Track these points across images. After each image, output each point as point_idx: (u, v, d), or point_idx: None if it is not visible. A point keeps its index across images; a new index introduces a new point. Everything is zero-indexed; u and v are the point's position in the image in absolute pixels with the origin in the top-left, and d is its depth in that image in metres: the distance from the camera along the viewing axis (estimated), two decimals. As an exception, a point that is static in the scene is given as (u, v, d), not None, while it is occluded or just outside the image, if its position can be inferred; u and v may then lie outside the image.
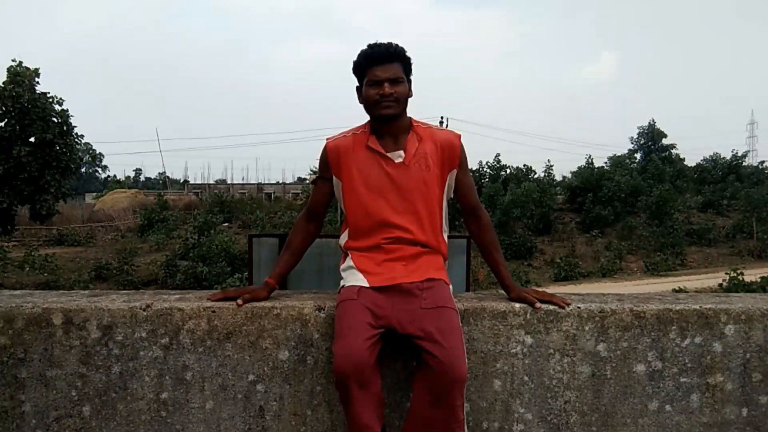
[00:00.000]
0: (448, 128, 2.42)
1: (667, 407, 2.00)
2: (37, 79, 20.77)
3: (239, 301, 2.00)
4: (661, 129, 47.03)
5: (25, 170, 20.12)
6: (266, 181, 59.21)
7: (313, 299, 2.06)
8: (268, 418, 1.98)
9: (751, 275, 18.02)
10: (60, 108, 21.06)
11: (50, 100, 20.81)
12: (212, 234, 24.15)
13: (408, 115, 2.04)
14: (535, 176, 35.17)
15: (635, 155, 46.38)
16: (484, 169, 35.85)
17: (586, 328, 2.00)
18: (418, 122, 2.06)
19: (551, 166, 37.43)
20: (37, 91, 20.65)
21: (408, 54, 2.00)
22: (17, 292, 2.22)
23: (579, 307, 2.00)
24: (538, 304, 2.00)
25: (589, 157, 37.14)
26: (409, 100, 2.01)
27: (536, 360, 1.99)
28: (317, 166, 2.13)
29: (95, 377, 1.97)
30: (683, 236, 28.52)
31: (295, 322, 1.98)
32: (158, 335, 1.97)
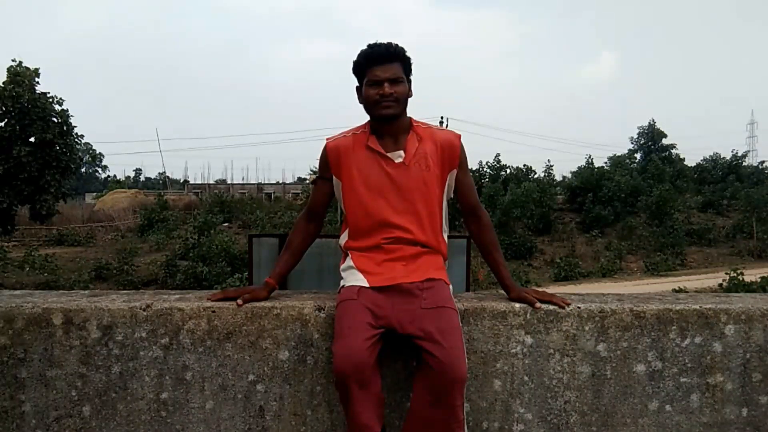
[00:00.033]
0: (448, 128, 2.42)
1: (667, 407, 2.00)
2: (37, 79, 20.77)
3: (239, 301, 2.00)
4: (661, 129, 47.10)
5: (25, 170, 20.11)
6: (266, 181, 59.23)
7: (313, 299, 2.06)
8: (268, 418, 1.98)
9: (751, 275, 18.02)
10: (60, 108, 21.06)
11: (50, 100, 20.81)
12: (212, 234, 24.15)
13: (408, 115, 2.04)
14: (535, 176, 35.19)
15: (635, 155, 46.42)
16: (484, 169, 35.86)
17: (586, 328, 2.00)
18: (418, 122, 2.06)
19: (551, 166, 37.50)
20: (37, 91, 20.64)
21: (408, 54, 2.00)
22: (17, 292, 2.22)
23: (579, 307, 2.00)
24: (538, 304, 2.00)
25: (589, 157, 37.20)
26: (409, 100, 2.01)
27: (536, 360, 1.99)
28: (317, 166, 2.13)
29: (95, 377, 1.97)
30: (683, 236, 28.52)
31: (295, 322, 1.98)
32: (158, 335, 1.97)
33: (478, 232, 2.11)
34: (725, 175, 41.07)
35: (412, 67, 2.03)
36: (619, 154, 43.16)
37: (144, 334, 1.97)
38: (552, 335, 1.99)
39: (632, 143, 48.56)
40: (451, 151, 2.02)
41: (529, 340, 1.99)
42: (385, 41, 1.99)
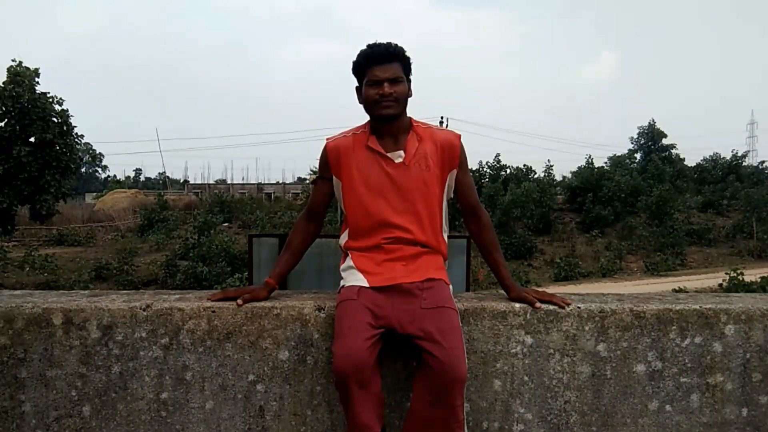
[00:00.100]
0: (448, 128, 2.42)
1: (667, 407, 2.00)
2: (37, 79, 20.77)
3: (239, 301, 2.00)
4: (661, 129, 47.12)
5: (25, 170, 20.11)
6: (266, 181, 59.24)
7: (313, 299, 2.06)
8: (268, 418, 1.98)
9: (751, 275, 18.02)
10: (60, 108, 21.06)
11: (50, 100, 20.81)
12: (212, 234, 24.15)
13: (408, 115, 2.04)
14: (535, 176, 35.19)
15: (635, 155, 46.44)
16: (484, 169, 35.86)
17: (586, 328, 2.00)
18: (418, 122, 2.06)
19: (551, 166, 37.51)
20: (37, 91, 20.64)
21: (407, 54, 2.00)
22: (17, 292, 2.22)
23: (579, 307, 2.00)
24: (538, 304, 2.00)
25: (589, 157, 37.21)
26: (409, 100, 2.01)
27: (536, 360, 1.99)
28: (317, 166, 2.13)
29: (95, 377, 1.97)
30: (683, 236, 28.52)
31: (295, 322, 1.98)
32: (158, 335, 1.97)
33: (478, 232, 2.11)
34: (725, 175, 41.09)
35: (412, 67, 2.03)
36: (619, 154, 43.23)
37: (144, 334, 1.97)
38: (552, 335, 1.99)
39: (632, 143, 48.63)
40: (451, 151, 2.02)
41: (529, 340, 1.99)
42: (384, 41, 1.99)
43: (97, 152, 27.39)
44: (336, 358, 1.78)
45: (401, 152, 1.99)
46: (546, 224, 30.67)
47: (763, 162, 48.36)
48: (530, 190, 30.06)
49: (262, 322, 1.98)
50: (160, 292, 2.19)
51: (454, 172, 2.04)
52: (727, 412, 2.01)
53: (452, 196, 2.10)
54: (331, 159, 2.04)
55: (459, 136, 2.06)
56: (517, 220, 29.64)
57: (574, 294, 2.20)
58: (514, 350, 1.99)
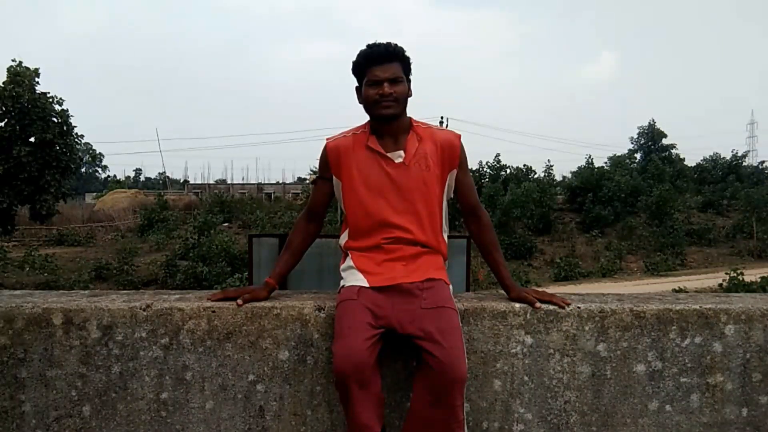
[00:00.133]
0: (448, 128, 2.42)
1: (667, 407, 2.00)
2: (37, 79, 20.77)
3: (239, 301, 2.00)
4: (661, 129, 47.12)
5: (25, 170, 20.11)
6: (266, 181, 59.24)
7: (313, 299, 2.06)
8: (268, 418, 1.98)
9: (751, 275, 18.02)
10: (60, 108, 21.06)
11: (50, 100, 20.81)
12: (212, 234, 24.15)
13: (408, 115, 2.04)
14: (535, 176, 35.20)
15: (635, 155, 46.44)
16: (484, 169, 35.86)
17: (586, 328, 2.00)
18: (418, 122, 2.06)
19: (551, 166, 37.51)
20: (37, 91, 20.64)
21: (407, 54, 2.00)
22: (17, 292, 2.22)
23: (579, 307, 2.00)
24: (538, 304, 2.00)
25: (589, 157, 37.21)
26: (409, 100, 2.01)
27: (536, 360, 1.99)
28: (317, 166, 2.13)
29: (95, 377, 1.97)
30: (683, 236, 28.53)
31: (295, 322, 1.98)
32: (158, 335, 1.97)
33: (478, 232, 2.11)
34: (725, 175, 41.09)
35: (412, 66, 2.03)
36: (619, 154, 43.23)
37: (144, 334, 1.97)
38: (552, 335, 1.99)
39: (632, 143, 48.63)
40: (451, 151, 2.02)
41: (529, 340, 1.99)
42: (384, 41, 1.99)
43: (97, 152, 27.41)
44: (336, 358, 1.78)
45: (401, 152, 1.99)
46: (546, 224, 30.67)
47: (763, 162, 48.42)
48: (530, 190, 30.06)
49: (262, 322, 1.98)
50: (160, 292, 2.19)
51: (454, 172, 2.04)
52: (727, 412, 2.01)
53: (452, 196, 2.10)
54: (331, 159, 2.04)
55: (459, 136, 2.06)
56: (517, 220, 29.64)
57: (574, 294, 2.20)
58: (514, 350, 1.99)
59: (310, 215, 2.16)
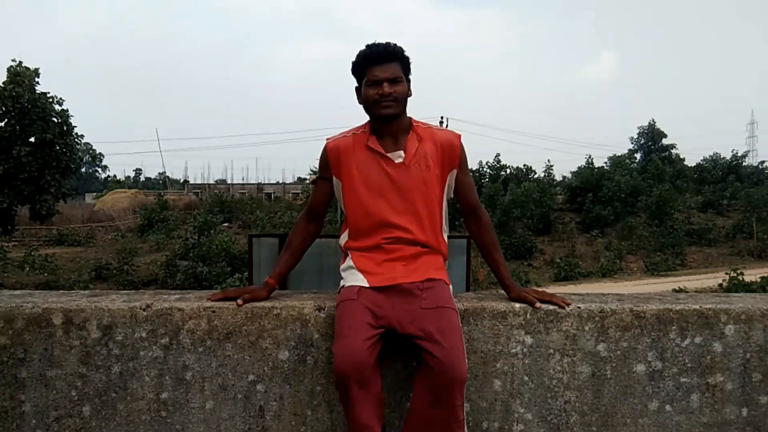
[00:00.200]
0: (448, 128, 2.42)
1: (667, 407, 2.00)
2: (37, 79, 20.77)
3: (239, 301, 2.00)
4: (661, 129, 47.11)
5: (25, 170, 20.11)
6: (266, 181, 59.25)
7: (313, 299, 2.06)
8: (268, 418, 1.98)
9: (751, 275, 18.02)
10: (60, 108, 21.05)
11: (50, 100, 20.81)
12: (212, 234, 24.15)
13: (408, 115, 2.04)
14: (535, 176, 35.20)
15: (635, 155, 46.44)
16: (484, 169, 35.87)
17: (586, 328, 2.00)
18: (418, 122, 2.06)
19: (551, 166, 37.52)
20: (37, 91, 20.64)
21: (406, 53, 2.00)
22: (17, 292, 2.22)
23: (579, 307, 2.00)
24: (538, 304, 2.00)
25: (589, 157, 37.21)
26: (409, 100, 2.01)
27: (536, 360, 1.99)
28: (317, 166, 2.13)
29: (95, 377, 1.97)
30: (683, 236, 28.53)
31: (295, 322, 1.98)
32: (158, 335, 1.97)
33: (478, 232, 2.11)
34: (725, 175, 41.10)
35: (411, 66, 2.03)
36: (619, 154, 43.22)
37: (144, 334, 1.97)
38: (552, 335, 1.99)
39: (632, 143, 48.62)
40: (451, 151, 2.02)
41: (529, 340, 1.99)
42: (383, 41, 1.99)
43: (97, 152, 27.39)
44: (336, 358, 1.78)
45: (401, 152, 1.99)
46: (546, 224, 30.67)
47: (763, 162, 48.38)
48: (530, 190, 30.06)
49: (262, 322, 1.98)
50: (160, 292, 2.19)
51: (454, 172, 2.04)
52: (727, 412, 2.01)
53: (452, 196, 2.10)
54: (331, 159, 2.04)
55: (459, 136, 2.06)
56: (517, 220, 29.64)
57: (574, 294, 2.20)
58: (514, 350, 1.99)
59: (310, 215, 2.16)
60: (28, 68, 20.68)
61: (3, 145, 19.98)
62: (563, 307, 2.00)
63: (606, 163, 39.61)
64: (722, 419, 2.01)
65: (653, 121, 47.32)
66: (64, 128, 21.05)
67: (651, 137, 47.21)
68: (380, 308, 1.85)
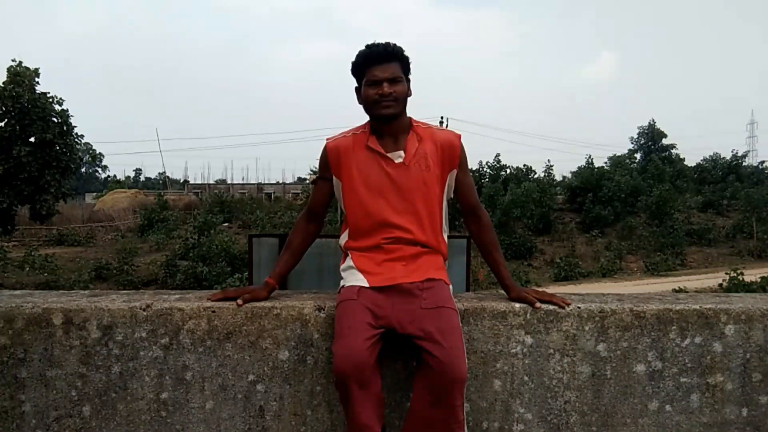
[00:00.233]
0: (448, 128, 2.42)
1: (667, 407, 2.00)
2: (37, 79, 20.77)
3: (239, 301, 2.00)
4: (661, 129, 47.09)
5: (25, 170, 20.11)
6: (266, 181, 59.25)
7: (313, 299, 2.06)
8: (268, 418, 1.98)
9: (751, 275, 18.02)
10: (60, 108, 21.06)
11: (50, 100, 20.81)
12: (212, 234, 24.15)
13: (408, 115, 2.04)
14: (535, 176, 35.20)
15: (635, 155, 46.42)
16: (484, 169, 35.87)
17: (586, 328, 2.00)
18: (418, 122, 2.06)
19: (551, 166, 37.51)
20: (37, 91, 20.64)
21: (406, 53, 2.00)
22: (17, 292, 2.22)
23: (579, 307, 2.00)
24: (538, 304, 2.00)
25: (589, 157, 37.21)
26: (409, 99, 2.01)
27: (536, 360, 1.99)
28: (317, 166, 2.13)
29: (95, 377, 1.97)
30: (683, 236, 28.53)
31: (295, 322, 1.98)
32: (158, 335, 1.97)
33: (478, 232, 2.11)
34: (725, 175, 41.10)
35: (411, 66, 2.03)
36: (619, 154, 43.20)
37: (144, 334, 1.97)
38: (552, 335, 1.99)
39: (632, 143, 48.60)
40: (451, 151, 2.02)
41: (529, 340, 1.99)
42: (383, 41, 1.99)
43: (97, 152, 27.39)
44: (336, 358, 1.78)
45: (401, 152, 1.99)
46: (546, 224, 30.67)
47: (763, 162, 48.38)
48: (530, 190, 30.06)
49: (262, 322, 1.98)
50: (160, 292, 2.19)
51: (454, 172, 2.04)
52: (727, 412, 2.01)
53: (452, 196, 2.10)
54: (331, 159, 2.04)
55: (459, 136, 2.06)
56: (517, 220, 29.64)
57: (574, 294, 2.20)
58: (514, 350, 1.99)
59: (310, 215, 2.16)
60: (28, 68, 20.68)
61: (3, 145, 19.98)
62: (563, 307, 2.00)
63: (606, 163, 39.63)
64: (722, 419, 2.01)
65: (653, 121, 47.34)
66: (64, 128, 21.05)
67: (651, 137, 47.20)
68: (380, 308, 1.85)
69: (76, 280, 20.31)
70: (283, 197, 45.26)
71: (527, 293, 2.05)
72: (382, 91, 1.93)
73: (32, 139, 20.44)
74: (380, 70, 1.94)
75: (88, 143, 24.55)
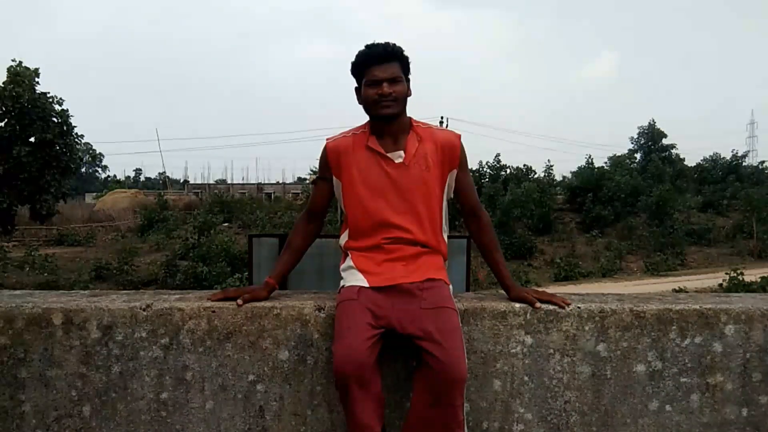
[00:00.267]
0: (448, 128, 2.42)
1: (667, 407, 2.00)
2: (37, 79, 20.80)
3: (239, 301, 2.00)
4: (661, 129, 47.00)
5: (25, 170, 20.14)
6: (266, 181, 59.26)
7: (313, 299, 2.06)
8: (268, 418, 1.98)
9: (751, 275, 18.03)
10: (60, 108, 21.10)
11: (50, 100, 20.84)
12: (212, 234, 24.15)
13: (408, 115, 2.04)
14: (535, 176, 35.17)
15: (635, 155, 46.35)
16: (484, 169, 35.87)
17: (586, 328, 2.00)
18: (418, 122, 2.06)
19: (551, 166, 37.46)
20: (37, 91, 20.67)
21: (405, 53, 2.00)
22: (17, 292, 2.22)
23: (579, 307, 2.00)
24: (538, 304, 2.00)
25: (589, 157, 37.18)
26: (409, 99, 2.01)
27: (536, 360, 1.99)
28: (317, 167, 2.13)
29: (95, 377, 1.97)
30: (683, 236, 28.53)
31: (295, 322, 1.98)
32: (158, 335, 1.97)
33: (478, 232, 2.11)
34: (725, 175, 41.09)
35: (411, 66, 2.03)
36: (619, 154, 43.09)
37: (144, 334, 1.97)
38: (552, 335, 1.99)
39: (632, 143, 48.51)
40: (451, 151, 2.02)
41: (529, 340, 1.99)
42: (382, 41, 1.99)
43: (97, 152, 27.37)
44: (336, 358, 1.78)
45: (401, 152, 1.99)
46: (546, 224, 30.66)
47: (763, 162, 48.23)
48: (530, 190, 30.06)
49: (262, 322, 1.98)
50: (160, 292, 2.19)
51: (454, 172, 2.04)
52: (727, 412, 2.01)
53: (452, 196, 2.10)
54: (331, 159, 2.04)
55: (459, 136, 2.06)
56: (517, 220, 29.64)
57: (574, 294, 2.20)
58: (514, 350, 1.99)
59: (310, 215, 2.16)
60: (28, 68, 20.71)
61: (3, 145, 20.00)
62: (563, 307, 2.00)
63: (606, 163, 39.57)
64: (722, 419, 2.01)
65: (653, 121, 47.22)
66: (64, 128, 21.08)
67: (651, 137, 47.14)
68: (380, 308, 1.85)
69: (76, 280, 20.30)
70: (283, 197, 45.27)
71: (527, 293, 2.05)
72: (381, 91, 1.93)
73: (32, 139, 20.47)
74: (380, 70, 1.94)
75: (88, 143, 24.59)
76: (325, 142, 2.07)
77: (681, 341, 2.00)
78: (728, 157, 44.60)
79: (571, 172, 38.72)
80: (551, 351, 1.99)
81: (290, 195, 45.95)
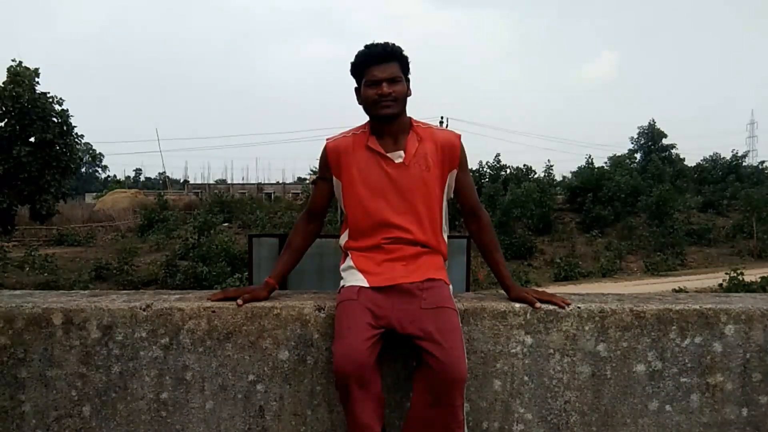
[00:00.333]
0: (448, 128, 2.42)
1: (667, 407, 2.00)
2: (37, 79, 20.78)
3: (239, 301, 2.00)
4: (661, 129, 46.98)
5: (25, 170, 20.12)
6: (266, 181, 59.24)
7: (313, 299, 2.06)
8: (268, 418, 1.98)
9: (751, 275, 18.03)
10: (60, 108, 21.07)
11: (50, 100, 20.82)
12: (212, 234, 24.15)
13: (408, 115, 2.04)
14: (535, 176, 35.16)
15: (635, 155, 46.33)
16: (484, 169, 35.86)
17: (586, 328, 2.00)
18: (418, 122, 2.06)
19: (551, 166, 37.46)
20: (37, 91, 20.65)
21: (405, 53, 2.00)
22: (17, 292, 2.22)
23: (579, 307, 2.00)
24: (538, 304, 2.00)
25: (589, 157, 37.15)
26: (409, 99, 2.01)
27: (536, 360, 1.99)
28: (317, 167, 2.13)
29: (95, 377, 1.97)
30: (683, 236, 28.52)
31: (295, 322, 1.98)
32: (158, 335, 1.97)
33: (478, 232, 2.11)
34: (725, 175, 41.08)
35: (411, 66, 2.03)
36: (619, 154, 43.08)
37: (144, 334, 1.97)
38: (552, 335, 1.99)
39: (632, 143, 48.49)
40: (451, 151, 2.02)
41: (529, 340, 1.99)
42: (382, 41, 1.99)
43: (97, 152, 27.34)
44: (336, 358, 1.78)
45: (401, 152, 1.99)
46: (546, 224, 30.66)
47: (763, 162, 48.26)
48: (530, 190, 30.05)
49: (262, 322, 1.98)
50: (160, 292, 2.19)
51: (454, 172, 2.04)
52: (727, 412, 2.01)
53: (452, 196, 2.10)
54: (331, 159, 2.04)
55: (459, 136, 2.06)
56: (517, 220, 29.63)
57: (574, 294, 2.20)
58: (514, 350, 1.99)
59: (310, 215, 2.16)
60: (28, 68, 20.69)
61: (3, 145, 19.99)
62: (563, 307, 2.00)
63: (606, 163, 39.54)
64: (722, 419, 2.01)
65: (653, 121, 47.19)
66: (64, 128, 21.06)
67: (651, 137, 47.12)
68: (380, 308, 1.85)
69: (76, 280, 20.29)
70: (283, 197, 45.25)
71: (527, 293, 2.05)
72: (381, 91, 1.93)
73: (32, 139, 20.45)
74: (379, 70, 1.94)
75: (88, 143, 24.54)
76: (325, 142, 2.07)
77: (681, 341, 2.00)
78: (728, 157, 44.62)
79: (571, 172, 38.74)
80: (551, 351, 1.99)
81: (290, 195, 45.94)
